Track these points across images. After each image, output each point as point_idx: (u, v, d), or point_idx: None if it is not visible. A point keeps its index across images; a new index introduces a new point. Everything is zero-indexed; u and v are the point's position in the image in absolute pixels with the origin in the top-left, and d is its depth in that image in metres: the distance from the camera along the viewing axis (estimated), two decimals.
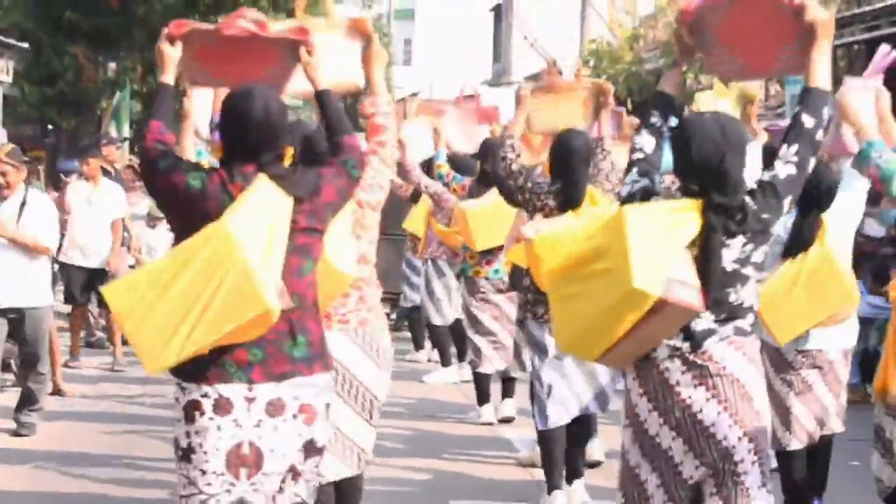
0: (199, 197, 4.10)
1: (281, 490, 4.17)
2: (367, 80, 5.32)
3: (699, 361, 4.24)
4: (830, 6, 20.38)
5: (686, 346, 4.25)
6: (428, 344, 12.91)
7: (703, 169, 4.26)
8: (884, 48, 6.08)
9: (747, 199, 4.24)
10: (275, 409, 4.08)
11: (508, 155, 6.93)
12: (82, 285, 11.84)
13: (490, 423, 9.49)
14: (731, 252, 4.24)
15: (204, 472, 4.07)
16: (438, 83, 42.85)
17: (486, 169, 9.27)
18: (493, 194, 8.89)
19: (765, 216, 4.25)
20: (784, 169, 4.28)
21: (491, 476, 7.92)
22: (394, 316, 14.90)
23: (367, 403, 5.51)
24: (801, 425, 6.63)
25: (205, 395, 4.06)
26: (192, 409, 4.08)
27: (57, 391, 10.13)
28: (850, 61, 18.06)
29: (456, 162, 10.76)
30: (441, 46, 51.18)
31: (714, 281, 4.21)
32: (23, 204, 8.76)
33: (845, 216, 6.47)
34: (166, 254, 4.60)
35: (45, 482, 7.45)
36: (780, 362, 6.62)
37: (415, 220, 11.96)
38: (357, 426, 5.50)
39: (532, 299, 6.96)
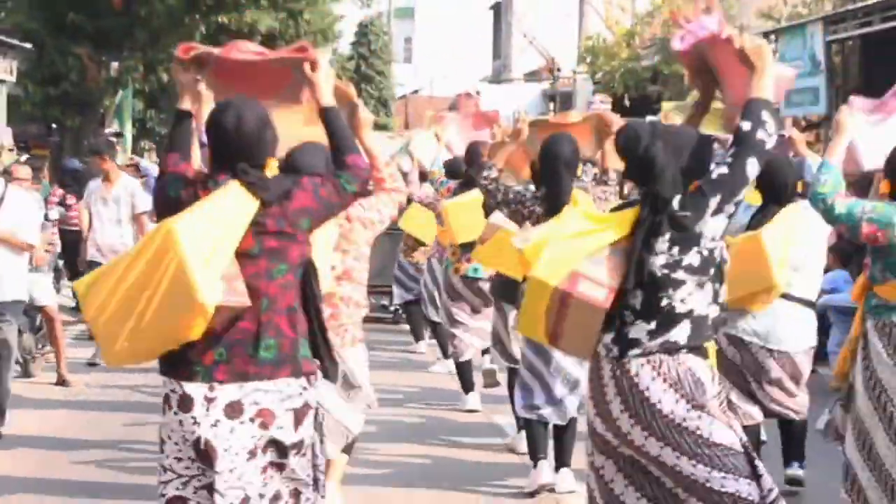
0: (177, 204, 4.29)
1: (264, 486, 4.30)
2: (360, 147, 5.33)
3: (618, 373, 4.42)
4: (826, 3, 20.58)
5: (615, 350, 4.44)
6: (426, 336, 13.21)
7: (630, 158, 4.47)
8: None
9: (675, 198, 4.37)
10: (233, 410, 4.20)
11: (481, 182, 7.12)
12: None
13: (475, 411, 9.73)
14: (659, 258, 4.37)
15: (179, 459, 4.29)
16: (438, 81, 43.03)
17: (471, 174, 9.51)
18: (474, 192, 9.16)
19: (683, 213, 4.36)
20: (717, 170, 4.42)
21: (482, 460, 8.15)
22: (392, 309, 15.16)
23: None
24: (754, 406, 6.93)
25: (173, 391, 4.26)
26: (164, 403, 4.30)
27: (61, 381, 10.39)
28: (844, 57, 18.24)
29: (449, 164, 11.06)
30: (441, 44, 51.32)
31: (638, 277, 4.36)
32: (2, 198, 8.58)
33: (813, 216, 6.73)
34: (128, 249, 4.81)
35: (49, 469, 7.65)
36: (745, 351, 6.89)
37: (410, 220, 12.21)
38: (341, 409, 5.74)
39: None
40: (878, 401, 5.58)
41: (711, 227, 4.39)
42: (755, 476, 4.43)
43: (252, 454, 4.24)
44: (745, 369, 6.88)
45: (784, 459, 7.30)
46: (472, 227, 9.06)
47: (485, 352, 9.88)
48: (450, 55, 49.24)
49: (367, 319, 6.50)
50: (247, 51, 4.70)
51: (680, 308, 4.39)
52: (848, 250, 10.59)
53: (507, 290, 7.62)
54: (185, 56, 4.58)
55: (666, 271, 4.38)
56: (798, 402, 6.98)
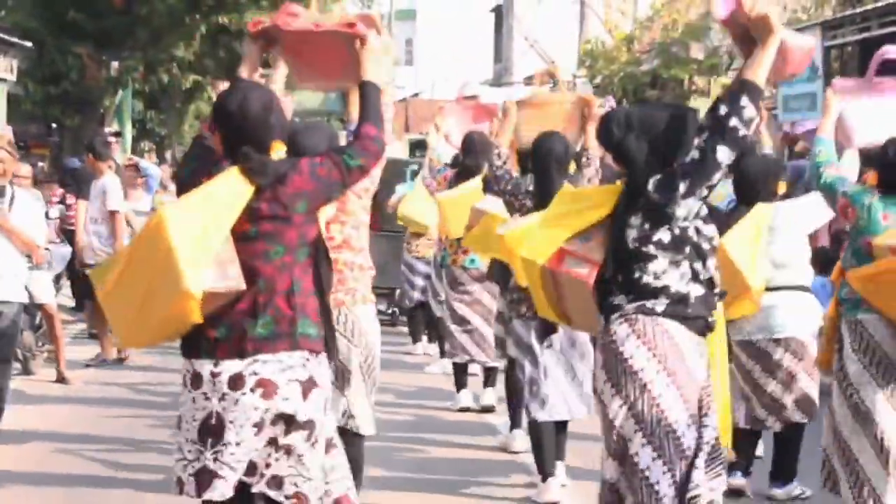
0: (186, 186, 4.44)
1: (267, 465, 4.36)
2: None
3: (605, 338, 4.56)
4: (825, 8, 20.66)
5: (601, 320, 4.59)
6: (424, 338, 13.28)
7: (606, 149, 4.69)
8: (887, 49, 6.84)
9: (651, 179, 4.51)
10: (235, 383, 4.31)
11: (495, 162, 7.25)
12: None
13: (466, 409, 9.79)
14: (632, 231, 4.52)
15: (187, 440, 4.38)
16: (440, 83, 43.00)
17: (466, 163, 9.60)
18: (467, 185, 9.26)
19: (654, 196, 4.49)
20: (691, 154, 4.51)
21: (474, 458, 8.24)
22: (389, 311, 15.21)
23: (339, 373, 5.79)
24: (759, 407, 7.01)
25: (187, 370, 4.41)
26: (182, 383, 4.43)
27: (61, 379, 10.48)
28: (843, 62, 18.31)
29: (455, 157, 11.13)
30: (442, 47, 51.35)
31: (616, 254, 4.53)
32: (11, 198, 8.52)
33: (795, 215, 6.90)
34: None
35: (49, 465, 7.73)
36: (756, 352, 6.97)
37: (409, 204, 12.10)
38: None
39: (516, 298, 7.18)
40: (846, 392, 5.92)
41: (684, 208, 4.50)
42: (687, 481, 4.47)
43: (258, 427, 4.32)
44: (764, 373, 6.95)
45: (772, 474, 7.20)
46: (465, 221, 9.10)
47: (486, 384, 9.88)
48: (451, 58, 49.25)
49: None
50: (298, 14, 4.83)
51: (655, 283, 4.51)
52: (828, 256, 10.62)
53: (503, 274, 7.71)
54: (253, 30, 4.81)
55: (637, 244, 4.52)
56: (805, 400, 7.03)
